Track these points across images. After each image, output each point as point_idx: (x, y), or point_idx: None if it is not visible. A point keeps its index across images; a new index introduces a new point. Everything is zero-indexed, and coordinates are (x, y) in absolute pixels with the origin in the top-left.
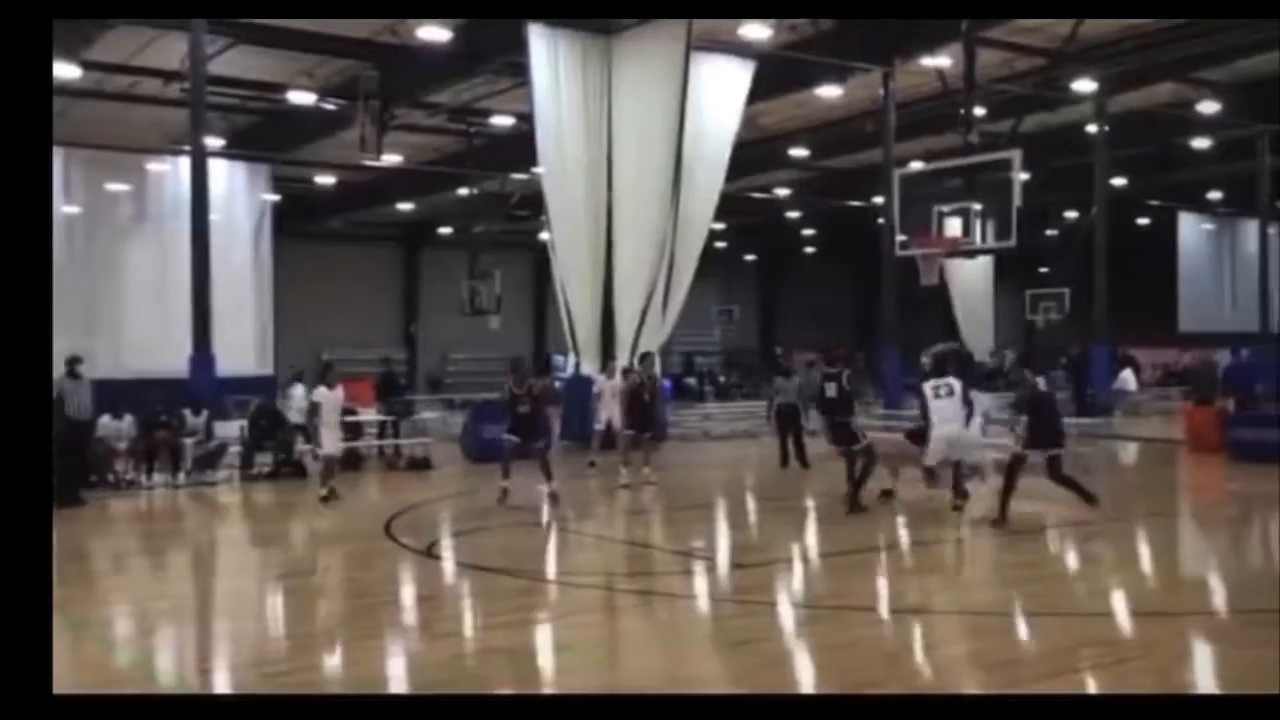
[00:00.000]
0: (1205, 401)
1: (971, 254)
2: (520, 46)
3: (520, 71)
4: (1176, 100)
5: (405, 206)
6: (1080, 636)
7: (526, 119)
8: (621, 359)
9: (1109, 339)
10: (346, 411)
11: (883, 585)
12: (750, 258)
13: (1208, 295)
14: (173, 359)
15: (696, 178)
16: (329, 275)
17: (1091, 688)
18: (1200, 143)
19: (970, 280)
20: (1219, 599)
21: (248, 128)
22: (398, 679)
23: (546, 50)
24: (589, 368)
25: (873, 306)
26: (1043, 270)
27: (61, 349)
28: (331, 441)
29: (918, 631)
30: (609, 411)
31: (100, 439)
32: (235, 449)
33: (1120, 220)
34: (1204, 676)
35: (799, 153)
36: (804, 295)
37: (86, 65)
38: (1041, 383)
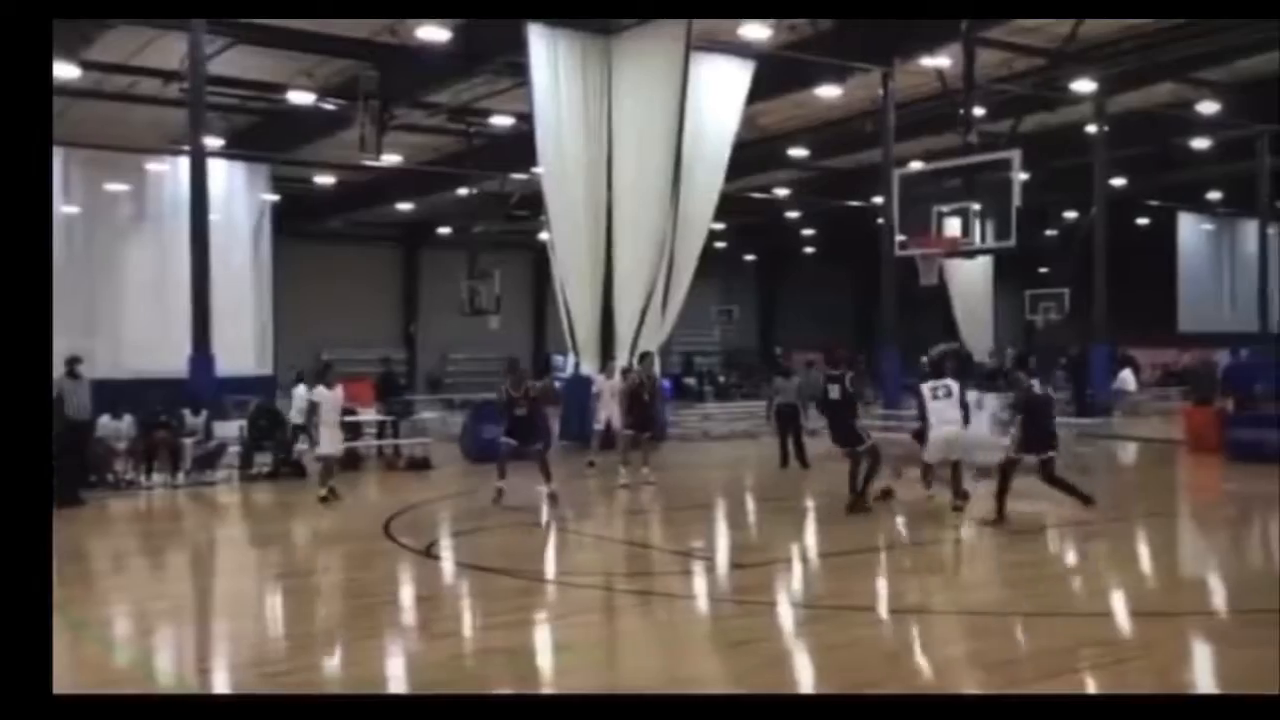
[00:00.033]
0: (1204, 402)
1: (971, 254)
2: (520, 46)
3: (520, 71)
4: (1176, 100)
5: (405, 206)
6: (1080, 636)
7: (526, 119)
8: (621, 359)
9: (1108, 339)
10: (346, 411)
11: (882, 585)
12: (750, 258)
13: (1207, 295)
14: (172, 359)
15: (696, 178)
16: (328, 275)
17: (1091, 688)
18: (1200, 143)
19: (970, 280)
20: (1218, 599)
21: (247, 128)
22: (397, 679)
23: (546, 50)
24: (588, 368)
25: (872, 306)
26: (1042, 270)
27: (61, 349)
28: (331, 441)
29: (917, 631)
30: (608, 411)
31: (99, 439)
32: (234, 449)
33: (1120, 220)
34: (1203, 676)
35: (798, 153)
36: (803, 295)
37: (86, 65)
38: (1037, 385)
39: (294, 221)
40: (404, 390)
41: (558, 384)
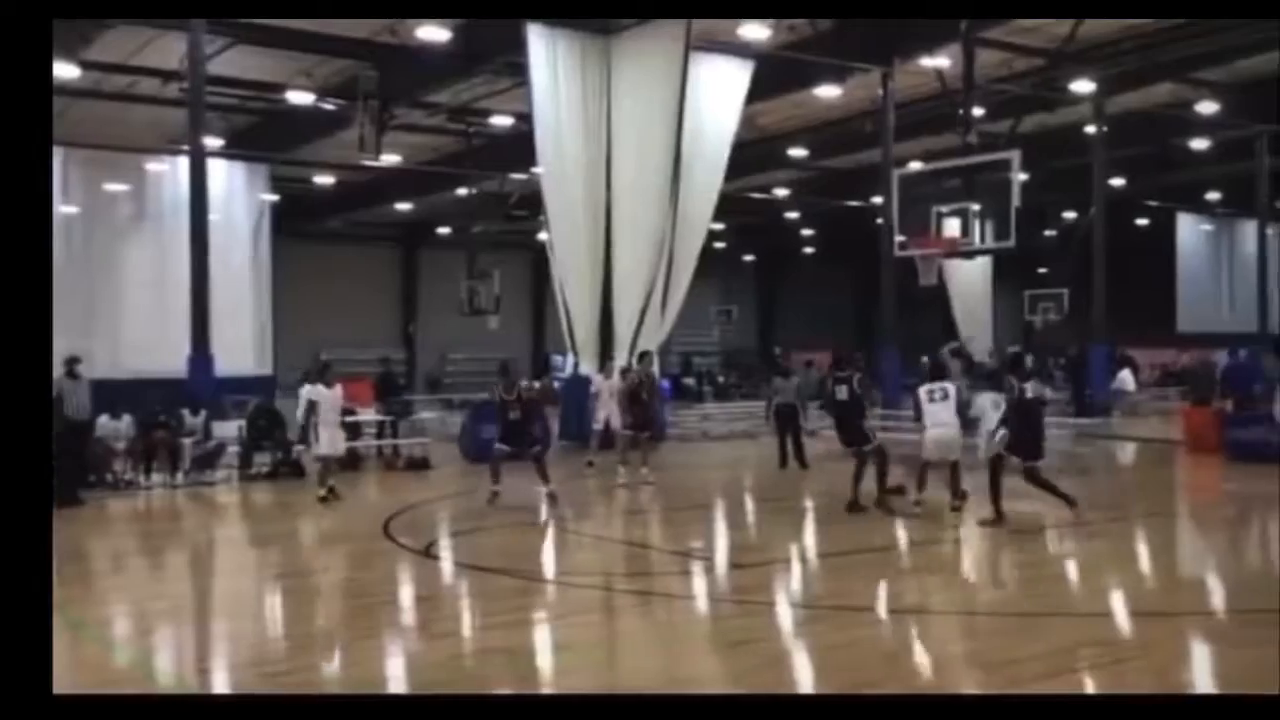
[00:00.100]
0: (1203, 402)
1: (970, 254)
2: (519, 46)
3: (519, 71)
4: (1175, 101)
5: (404, 206)
6: (1079, 636)
7: (525, 119)
8: (620, 359)
9: (1107, 339)
10: (346, 411)
11: (881, 585)
12: (749, 258)
13: (1206, 296)
14: (171, 359)
15: (695, 178)
16: (328, 275)
17: (1090, 688)
18: (1199, 143)
19: (969, 280)
20: (1217, 599)
21: (247, 128)
22: (396, 679)
23: (545, 50)
24: (588, 368)
25: (872, 307)
26: (1041, 270)
27: (60, 349)
28: (330, 441)
29: (916, 631)
30: (607, 411)
31: (99, 439)
32: (234, 449)
33: (1119, 221)
34: (1202, 676)
35: (798, 153)
36: (803, 295)
37: (85, 65)
38: (1030, 388)
39: (293, 221)
40: (403, 390)
41: (557, 384)
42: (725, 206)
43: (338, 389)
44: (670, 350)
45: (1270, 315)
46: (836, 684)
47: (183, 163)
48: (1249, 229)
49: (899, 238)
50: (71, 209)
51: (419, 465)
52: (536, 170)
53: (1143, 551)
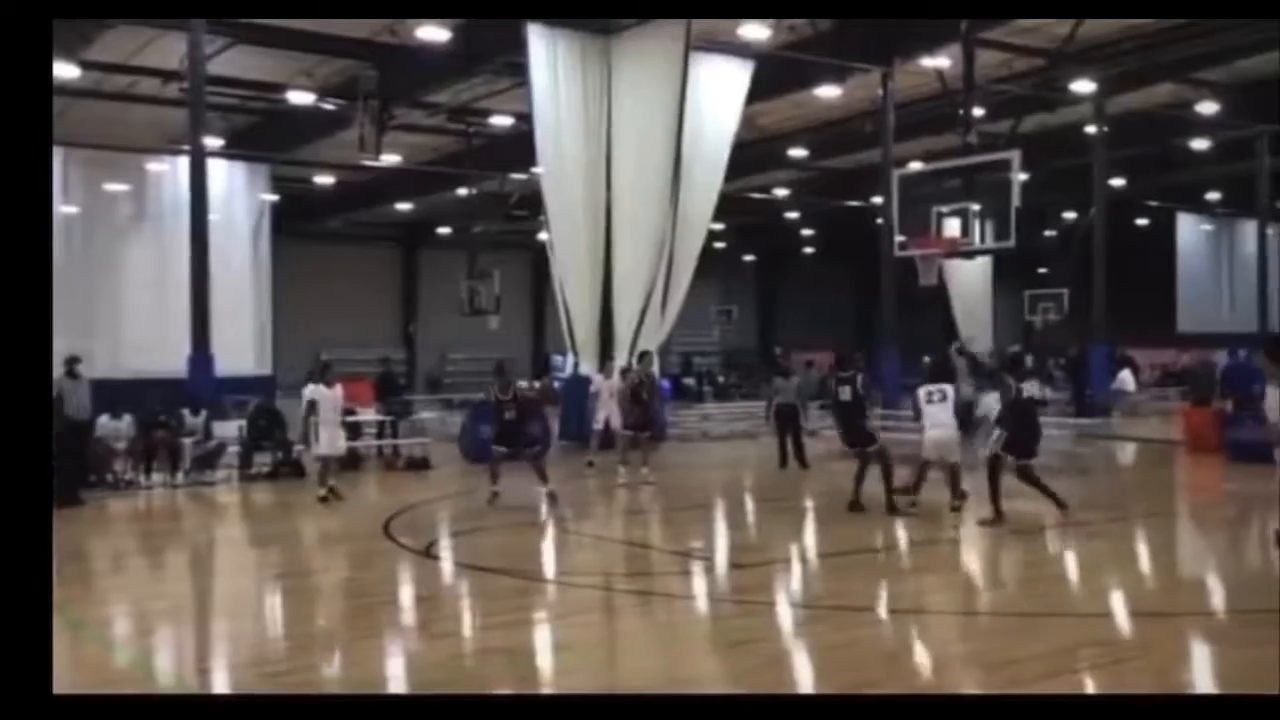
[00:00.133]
0: (1203, 402)
1: (970, 254)
2: (519, 46)
3: (519, 71)
4: (1175, 101)
5: (404, 206)
6: (1079, 636)
7: (525, 119)
8: (620, 359)
9: (1107, 339)
10: (347, 411)
11: (881, 585)
12: (749, 258)
13: (1206, 296)
14: (171, 359)
15: (695, 178)
16: (328, 275)
17: (1090, 688)
18: (1199, 143)
19: (969, 281)
20: (1217, 599)
21: (247, 128)
22: (396, 679)
23: (545, 50)
24: (588, 368)
25: (872, 307)
26: (1041, 271)
27: (60, 349)
28: (329, 441)
29: (916, 631)
30: (607, 411)
31: (99, 439)
32: (234, 449)
33: (1119, 221)
34: (1202, 676)
35: (798, 153)
36: (803, 295)
37: (85, 65)
38: (1027, 387)
39: (293, 221)
40: (403, 390)
41: (557, 384)
42: (725, 206)
43: (338, 389)
44: (670, 350)
45: (1270, 315)
46: (837, 684)
47: (183, 163)
48: (1249, 229)
49: (899, 238)
50: (72, 209)
51: (419, 465)
52: (536, 170)
53: (1143, 552)
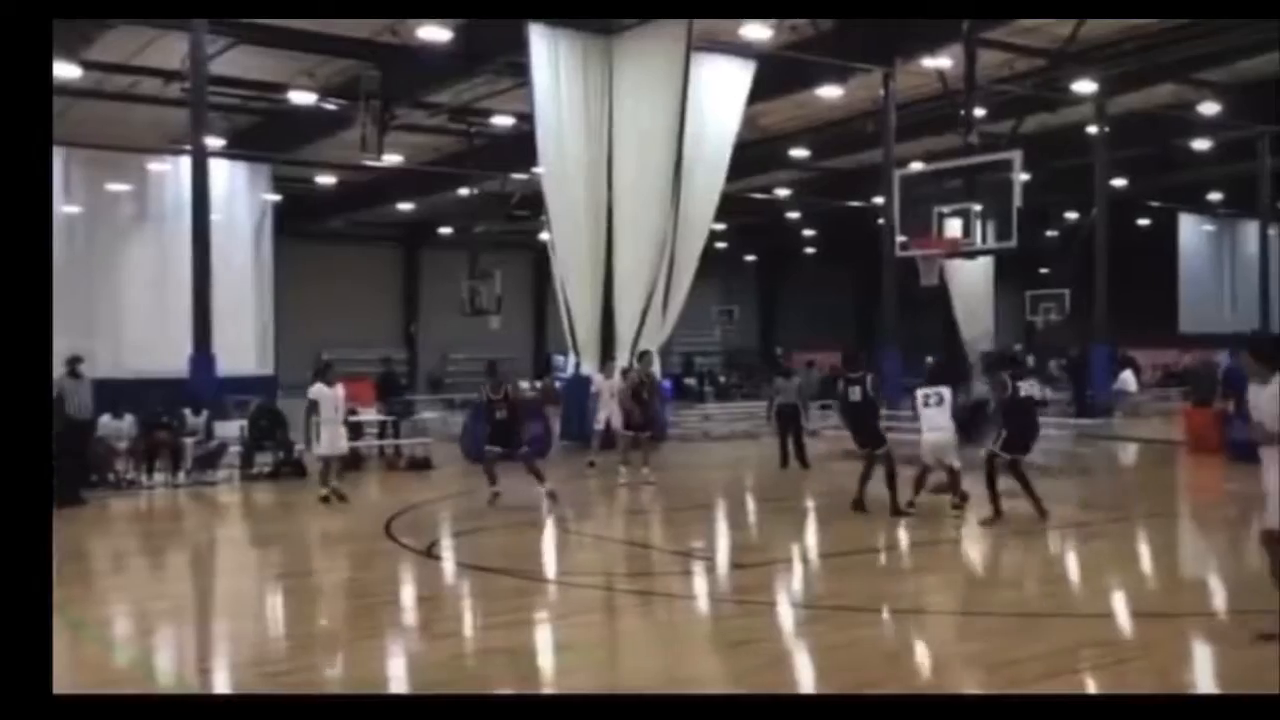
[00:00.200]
0: (1205, 402)
1: (972, 255)
2: (521, 46)
3: (521, 71)
4: (1177, 101)
5: (406, 206)
6: (1080, 637)
7: (527, 119)
8: (621, 359)
9: (1109, 340)
10: (349, 411)
11: (882, 585)
12: (750, 258)
13: (1208, 296)
14: (173, 359)
15: (697, 178)
16: (329, 275)
17: (1091, 688)
18: (1201, 144)
19: (970, 281)
20: (1219, 599)
21: (248, 128)
22: (398, 679)
23: (547, 50)
24: (589, 368)
25: (873, 307)
26: (1043, 271)
27: (62, 349)
28: (331, 441)
29: (917, 632)
30: (608, 411)
31: (100, 439)
32: (235, 449)
33: (1120, 221)
34: (1204, 677)
35: (799, 153)
36: (804, 296)
37: (87, 65)
38: (1025, 386)
39: (295, 221)
40: (405, 390)
41: (558, 384)
42: (727, 207)
43: (339, 388)
44: (672, 350)
45: (1272, 316)
46: (837, 684)
47: (185, 163)
48: (1251, 229)
49: (900, 238)
50: (74, 209)
51: (420, 465)
52: (538, 170)
53: (1144, 552)
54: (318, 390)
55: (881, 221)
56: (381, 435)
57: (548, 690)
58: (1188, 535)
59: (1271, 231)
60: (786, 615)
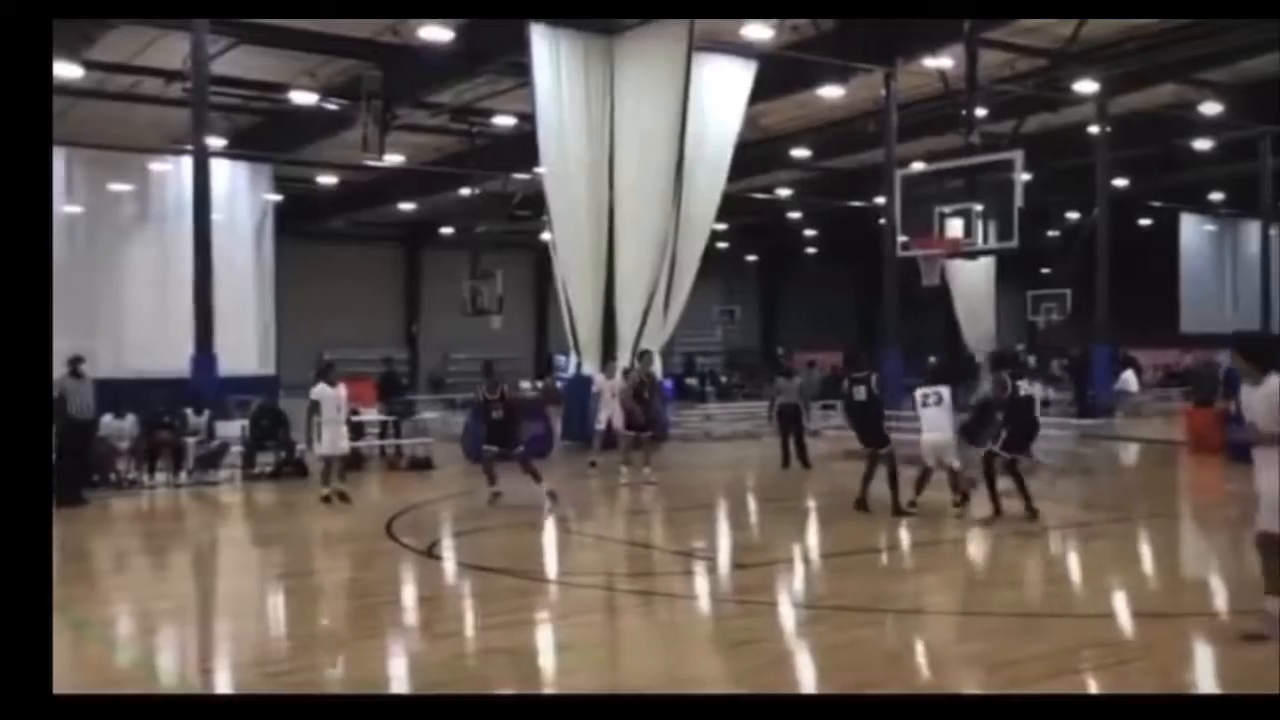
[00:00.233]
0: (1206, 403)
1: (973, 255)
2: (522, 46)
3: (522, 71)
4: (1178, 101)
5: (407, 206)
6: (1082, 637)
7: (528, 119)
8: (623, 359)
9: (1110, 340)
10: (351, 411)
11: (883, 585)
12: (752, 258)
13: (1209, 296)
14: (174, 359)
15: (698, 178)
16: (331, 275)
17: (1093, 688)
18: (1202, 144)
19: (972, 281)
20: (1220, 600)
21: (250, 128)
22: (399, 679)
23: (548, 50)
24: (590, 368)
25: (874, 307)
26: (1044, 271)
27: (64, 348)
28: (332, 441)
29: (918, 632)
30: (609, 411)
31: (102, 438)
32: (237, 449)
33: (1122, 221)
34: (1205, 677)
35: (801, 153)
36: (806, 296)
37: (88, 65)
38: (1024, 387)
39: (296, 221)
40: (406, 390)
41: (560, 384)
42: (728, 207)
43: (341, 388)
44: (673, 350)
45: (1273, 316)
46: (839, 684)
47: (186, 163)
48: (1252, 229)
49: (902, 238)
50: (75, 209)
51: (422, 465)
52: (539, 170)
53: (1145, 552)
54: (319, 390)
55: (883, 221)
56: (383, 435)
57: (549, 690)
58: (1189, 536)
59: (1273, 231)
60: (788, 615)
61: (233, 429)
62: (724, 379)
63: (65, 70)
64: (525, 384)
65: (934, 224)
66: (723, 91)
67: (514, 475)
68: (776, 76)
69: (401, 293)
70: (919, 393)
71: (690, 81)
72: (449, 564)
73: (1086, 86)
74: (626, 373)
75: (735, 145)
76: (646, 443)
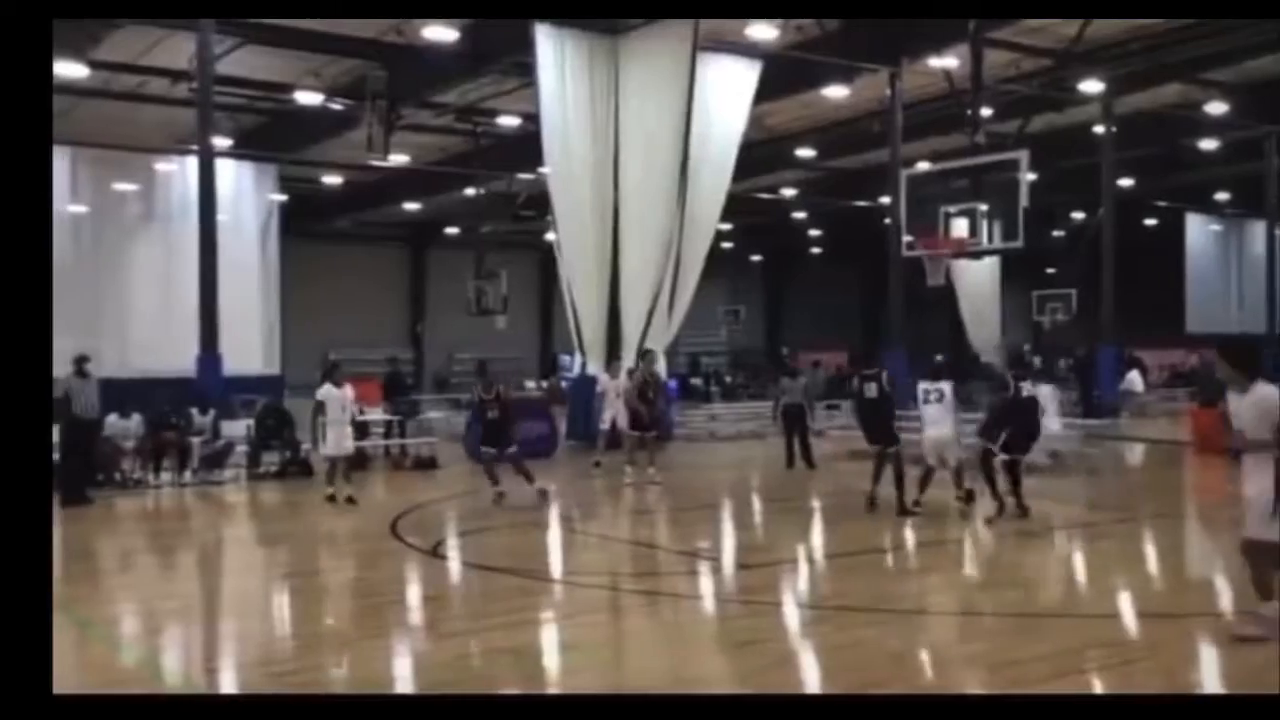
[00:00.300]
0: (1211, 403)
1: (978, 254)
2: (527, 46)
3: (527, 71)
4: (1184, 101)
5: (412, 206)
6: (1086, 637)
7: (533, 119)
8: (627, 359)
9: (1116, 340)
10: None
11: (887, 586)
12: (757, 258)
13: (1215, 296)
14: (179, 358)
15: (703, 178)
16: (336, 275)
17: (1097, 688)
18: (1208, 143)
19: (977, 281)
20: (1225, 600)
21: (255, 128)
22: (404, 679)
23: (553, 50)
24: (595, 368)
25: (879, 307)
26: (1050, 271)
27: (69, 348)
28: (336, 441)
29: (922, 632)
30: (613, 411)
31: (107, 438)
32: (242, 448)
33: (1127, 221)
34: (1210, 678)
35: (806, 153)
36: (810, 295)
37: (94, 65)
38: (1026, 388)
39: (301, 221)
40: (410, 390)
41: (564, 384)
42: (733, 207)
43: (347, 389)
44: (678, 350)
45: (1279, 315)
46: (843, 684)
47: (191, 162)
48: (1258, 229)
49: (907, 238)
50: (80, 208)
51: (426, 465)
52: (544, 170)
53: (1150, 552)
54: (325, 391)
55: (888, 221)
56: (387, 435)
57: (553, 690)
58: (1194, 536)
59: (1278, 231)
60: (792, 615)
61: (238, 428)
62: (729, 379)
63: (71, 70)
64: (530, 384)
65: (939, 224)
66: (727, 91)
67: (514, 475)
68: (781, 76)
69: (406, 292)
70: (921, 388)
71: (695, 81)
72: (454, 563)
73: (1092, 86)
74: (631, 373)
75: (740, 145)
76: (651, 443)
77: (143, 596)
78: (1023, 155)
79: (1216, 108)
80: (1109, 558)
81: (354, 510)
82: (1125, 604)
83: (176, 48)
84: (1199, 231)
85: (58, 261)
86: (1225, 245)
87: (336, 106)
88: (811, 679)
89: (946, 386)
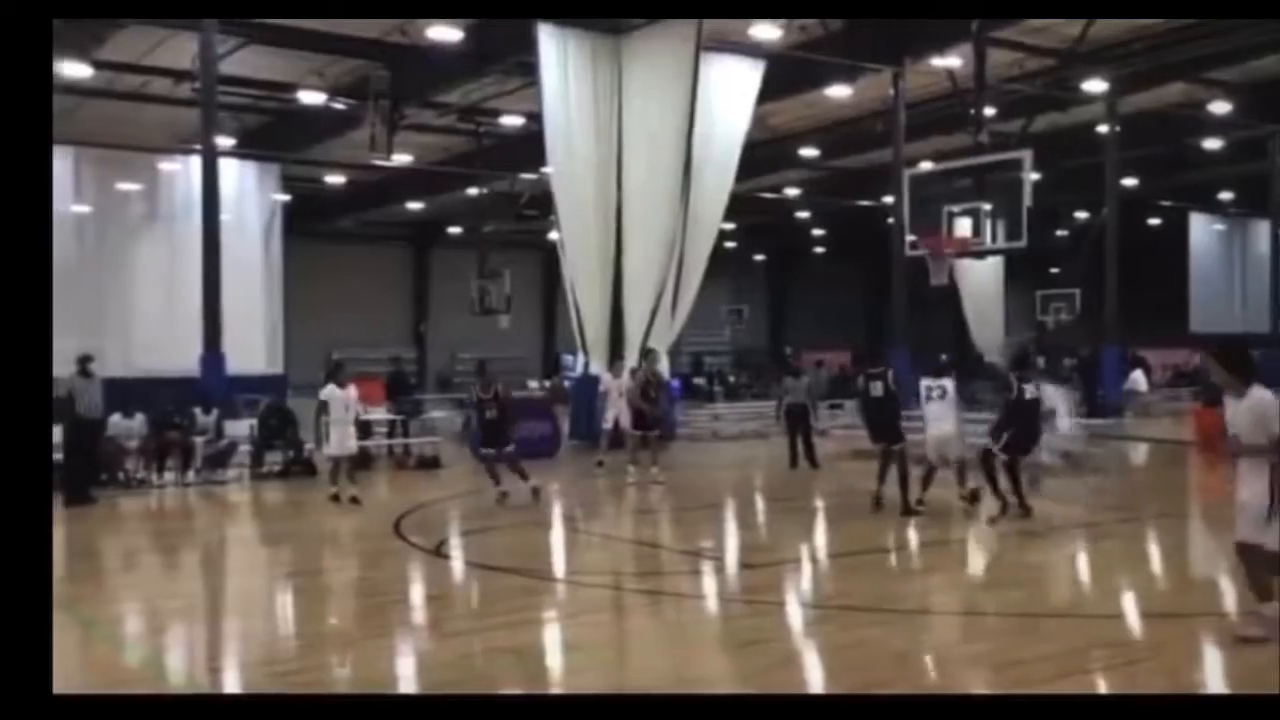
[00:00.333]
0: (1215, 403)
1: (982, 254)
2: (530, 46)
3: (530, 71)
4: (1187, 100)
5: (415, 206)
6: (1090, 637)
7: (536, 119)
8: (630, 359)
9: (1119, 340)
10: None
11: (891, 585)
12: (760, 258)
13: (1219, 296)
14: (183, 358)
15: (706, 178)
16: (339, 275)
17: (1102, 689)
18: (1211, 143)
19: (980, 280)
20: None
21: (258, 127)
22: (407, 678)
23: (556, 50)
24: (598, 367)
25: (883, 306)
26: (1053, 271)
27: (72, 348)
28: (340, 441)
29: (926, 632)
30: (616, 410)
31: (111, 438)
32: (245, 448)
33: (1131, 221)
34: (1214, 677)
35: (809, 152)
36: (814, 295)
37: (97, 64)
38: (1030, 390)
39: (305, 221)
40: (414, 389)
41: (567, 384)
42: (736, 206)
43: (351, 389)
44: (681, 350)
45: None
46: (846, 684)
47: (195, 162)
48: (1262, 229)
49: (910, 237)
50: (84, 208)
51: (429, 464)
52: (547, 170)
53: (1154, 552)
54: (328, 391)
55: (891, 221)
56: (390, 434)
57: (556, 690)
58: (1198, 536)
59: None
60: (795, 615)
61: (241, 428)
62: (732, 378)
63: (74, 69)
64: (533, 383)
65: (942, 223)
66: (731, 91)
67: (510, 473)
68: (784, 76)
69: (409, 292)
70: (923, 384)
71: (698, 81)
72: (457, 563)
73: (1095, 86)
74: (634, 372)
75: (743, 145)
76: (653, 442)
77: (146, 596)
78: (1026, 155)
79: (1220, 107)
80: (1113, 558)
81: (357, 510)
82: (1129, 604)
83: (180, 48)
84: (1203, 231)
85: (61, 261)
86: (1229, 245)
87: (339, 106)
88: (815, 679)
89: (949, 383)
